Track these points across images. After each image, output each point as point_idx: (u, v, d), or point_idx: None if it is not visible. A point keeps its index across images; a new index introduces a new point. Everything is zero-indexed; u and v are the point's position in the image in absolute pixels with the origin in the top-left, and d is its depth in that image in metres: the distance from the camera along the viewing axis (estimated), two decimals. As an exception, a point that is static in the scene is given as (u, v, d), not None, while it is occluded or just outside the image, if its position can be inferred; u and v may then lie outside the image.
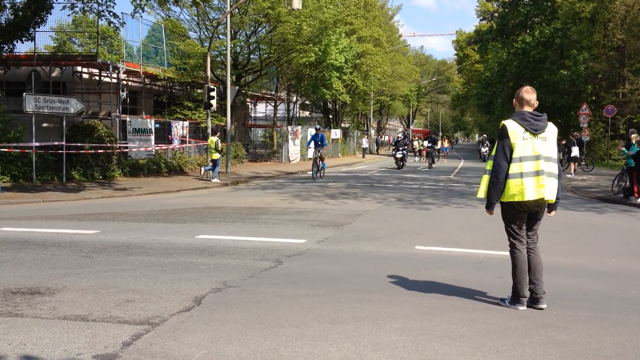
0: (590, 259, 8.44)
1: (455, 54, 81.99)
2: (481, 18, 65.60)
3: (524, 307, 5.57)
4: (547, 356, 4.37)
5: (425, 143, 39.37)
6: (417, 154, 48.18)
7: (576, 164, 28.22)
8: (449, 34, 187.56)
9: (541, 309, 5.56)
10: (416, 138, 56.51)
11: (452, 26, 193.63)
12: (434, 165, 35.41)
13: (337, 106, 54.02)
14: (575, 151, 27.39)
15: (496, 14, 59.38)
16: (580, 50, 39.24)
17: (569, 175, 26.45)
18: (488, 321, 5.19)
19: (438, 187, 20.76)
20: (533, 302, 5.63)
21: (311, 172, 24.44)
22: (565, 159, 30.95)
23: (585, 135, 32.44)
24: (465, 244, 9.30)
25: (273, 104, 43.62)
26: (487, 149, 43.12)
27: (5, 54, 20.35)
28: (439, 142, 44.51)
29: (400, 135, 38.29)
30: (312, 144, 24.43)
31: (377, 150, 65.03)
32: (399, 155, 33.14)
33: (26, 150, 18.71)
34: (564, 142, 32.58)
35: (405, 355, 4.33)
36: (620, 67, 38.45)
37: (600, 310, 5.64)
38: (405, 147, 34.87)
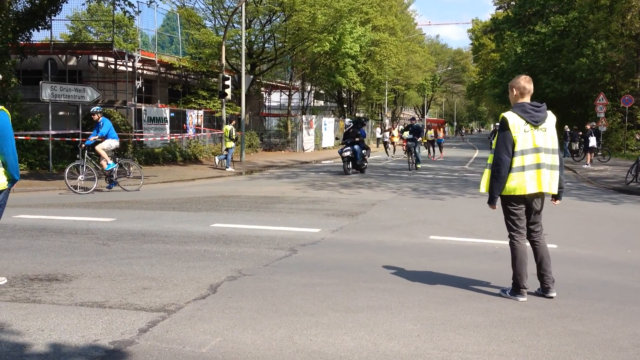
0: (607, 250, 8.38)
1: (471, 44, 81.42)
2: (498, 7, 64.98)
3: (525, 299, 5.53)
4: (562, 347, 4.35)
5: (406, 134, 26.10)
6: (404, 148, 32.48)
7: (592, 154, 27.96)
8: (465, 23, 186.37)
9: (551, 297, 5.56)
10: (387, 126, 43.58)
11: (468, 15, 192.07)
12: (419, 166, 24.11)
13: (352, 95, 53.89)
14: (592, 141, 27.11)
15: (513, 2, 58.80)
16: (598, 39, 38.78)
17: (585, 166, 26.25)
18: (503, 311, 5.18)
19: (453, 177, 20.68)
20: (544, 292, 5.64)
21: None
22: (581, 149, 30.72)
23: (602, 125, 32.13)
24: (481, 234, 9.26)
25: (287, 93, 43.60)
26: None
27: (21, 42, 20.47)
28: (429, 132, 33.48)
29: (347, 120, 23.41)
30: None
31: (391, 139, 64.76)
32: (346, 154, 20.81)
33: (43, 139, 18.86)
34: (580, 133, 32.31)
35: (420, 345, 4.33)
36: (639, 57, 37.95)
37: (616, 301, 5.61)
38: (357, 140, 21.16)
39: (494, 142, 5.62)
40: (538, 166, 5.40)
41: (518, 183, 5.39)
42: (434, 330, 4.63)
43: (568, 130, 33.36)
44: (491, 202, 5.58)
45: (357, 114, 57.30)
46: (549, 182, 5.45)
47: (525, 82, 5.57)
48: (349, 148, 20.81)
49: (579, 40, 42.25)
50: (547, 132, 5.47)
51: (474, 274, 6.50)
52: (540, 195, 5.54)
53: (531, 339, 4.50)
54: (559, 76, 41.08)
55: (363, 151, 21.29)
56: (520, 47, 47.36)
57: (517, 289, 5.57)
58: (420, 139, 23.87)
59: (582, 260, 7.55)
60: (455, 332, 4.61)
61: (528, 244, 5.64)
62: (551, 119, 5.53)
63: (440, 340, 4.43)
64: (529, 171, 5.39)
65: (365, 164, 21.94)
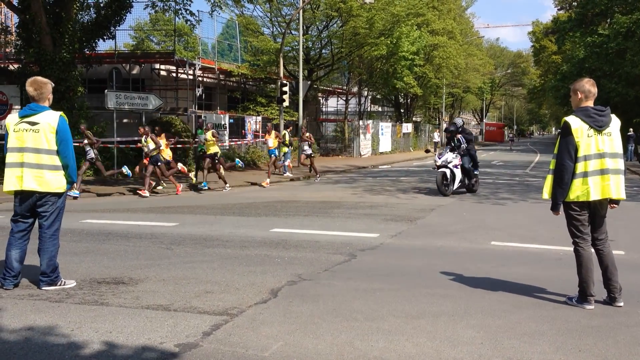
0: (678, 257, 8.06)
1: (532, 46, 79.64)
2: (559, 7, 63.48)
3: (592, 306, 5.37)
4: (632, 356, 4.21)
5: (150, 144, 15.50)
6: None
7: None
8: (524, 25, 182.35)
9: (619, 306, 5.38)
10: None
11: (525, 17, 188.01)
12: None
13: (409, 100, 53.52)
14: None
15: (575, 3, 57.30)
16: (664, 40, 37.36)
17: (653, 170, 25.36)
18: (569, 319, 5.05)
19: (514, 182, 20.27)
20: (611, 301, 5.48)
21: None
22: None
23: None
24: (544, 240, 9.04)
25: (344, 99, 43.64)
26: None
27: (87, 52, 21.16)
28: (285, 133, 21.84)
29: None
30: None
31: (449, 144, 64.04)
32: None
33: (108, 145, 19.42)
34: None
35: (483, 353, 4.26)
36: None
37: (690, 310, 5.39)
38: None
39: (555, 148, 5.47)
40: (602, 172, 5.27)
41: (582, 190, 5.27)
42: (498, 338, 4.55)
43: (631, 134, 32.26)
44: (554, 208, 5.47)
45: (414, 119, 56.89)
46: (615, 188, 5.31)
47: (590, 85, 5.43)
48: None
49: (643, 42, 40.75)
50: (612, 136, 5.33)
51: (538, 281, 6.35)
52: (605, 201, 5.40)
53: (599, 347, 4.37)
54: (622, 79, 39.73)
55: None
56: (582, 50, 46.05)
57: (583, 296, 5.42)
58: (154, 150, 15.23)
59: (652, 268, 7.29)
60: (519, 340, 4.52)
61: (593, 250, 5.49)
62: (615, 123, 5.39)
63: (505, 348, 4.35)
64: (592, 177, 5.26)
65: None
